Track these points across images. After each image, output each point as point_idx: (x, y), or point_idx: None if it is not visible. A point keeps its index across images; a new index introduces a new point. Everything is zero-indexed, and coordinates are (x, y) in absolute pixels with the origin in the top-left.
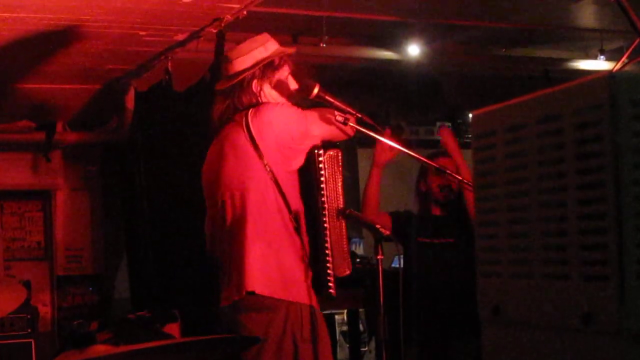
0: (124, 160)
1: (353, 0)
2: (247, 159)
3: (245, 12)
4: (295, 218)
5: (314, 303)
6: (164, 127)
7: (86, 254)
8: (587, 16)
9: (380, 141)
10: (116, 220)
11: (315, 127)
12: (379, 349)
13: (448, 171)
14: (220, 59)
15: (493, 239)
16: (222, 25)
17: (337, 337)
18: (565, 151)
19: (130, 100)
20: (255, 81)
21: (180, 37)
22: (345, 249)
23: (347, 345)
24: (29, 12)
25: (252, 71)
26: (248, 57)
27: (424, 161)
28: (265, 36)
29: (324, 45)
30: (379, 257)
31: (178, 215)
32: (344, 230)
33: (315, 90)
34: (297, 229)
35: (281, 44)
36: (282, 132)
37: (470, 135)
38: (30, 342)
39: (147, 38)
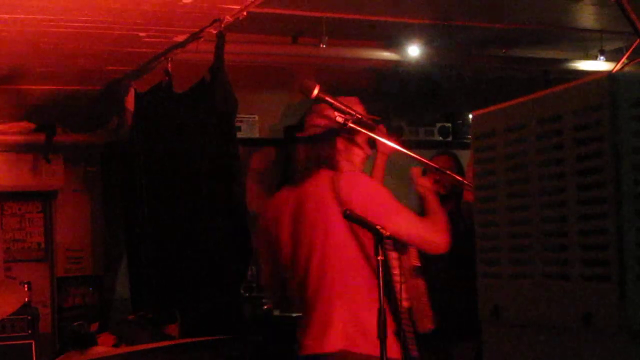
0: (124, 161)
1: (353, 1)
2: (330, 214)
3: (245, 13)
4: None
5: (398, 356)
6: (164, 128)
7: (86, 255)
8: (587, 17)
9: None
10: (116, 222)
11: (397, 225)
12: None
13: (448, 171)
14: (220, 63)
15: (493, 239)
16: (222, 26)
17: None
18: (565, 152)
19: (130, 102)
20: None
21: (180, 38)
22: (425, 303)
23: None
24: (28, 14)
25: (347, 121)
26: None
27: (422, 161)
28: (357, 100)
29: (324, 46)
30: (379, 257)
31: (178, 216)
32: (422, 287)
33: (315, 91)
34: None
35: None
36: (369, 205)
37: (470, 136)
38: (31, 343)
39: (147, 39)
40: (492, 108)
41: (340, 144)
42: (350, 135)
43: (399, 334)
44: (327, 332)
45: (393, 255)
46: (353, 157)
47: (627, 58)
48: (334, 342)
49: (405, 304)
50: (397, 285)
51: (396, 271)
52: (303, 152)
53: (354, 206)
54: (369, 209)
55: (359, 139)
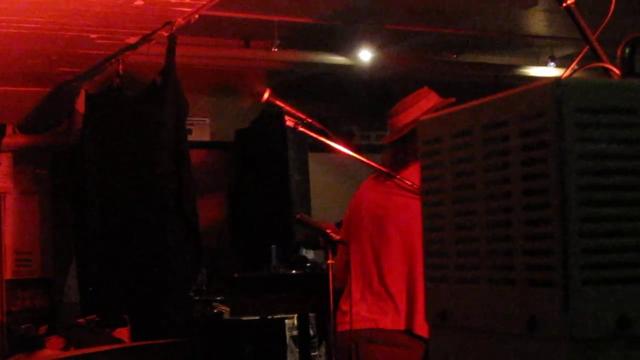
0: (74, 163)
1: (305, 5)
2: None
3: (197, 16)
4: None
5: None
6: (114, 130)
7: (35, 257)
8: (538, 23)
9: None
10: (66, 224)
11: None
12: (329, 353)
13: (398, 176)
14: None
15: (440, 243)
16: (174, 28)
17: (288, 342)
18: (510, 157)
19: (80, 104)
20: None
21: (132, 40)
22: None
23: (297, 350)
24: None
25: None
26: (415, 109)
27: (373, 165)
28: (427, 89)
29: (276, 49)
30: (329, 261)
31: (128, 219)
32: None
33: (266, 95)
34: None
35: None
36: None
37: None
38: None
39: (99, 41)
40: (439, 113)
41: None
42: None
43: None
44: (414, 319)
45: None
46: None
47: (577, 64)
48: (418, 330)
49: None
50: None
51: None
52: (390, 153)
53: None
54: None
55: None
